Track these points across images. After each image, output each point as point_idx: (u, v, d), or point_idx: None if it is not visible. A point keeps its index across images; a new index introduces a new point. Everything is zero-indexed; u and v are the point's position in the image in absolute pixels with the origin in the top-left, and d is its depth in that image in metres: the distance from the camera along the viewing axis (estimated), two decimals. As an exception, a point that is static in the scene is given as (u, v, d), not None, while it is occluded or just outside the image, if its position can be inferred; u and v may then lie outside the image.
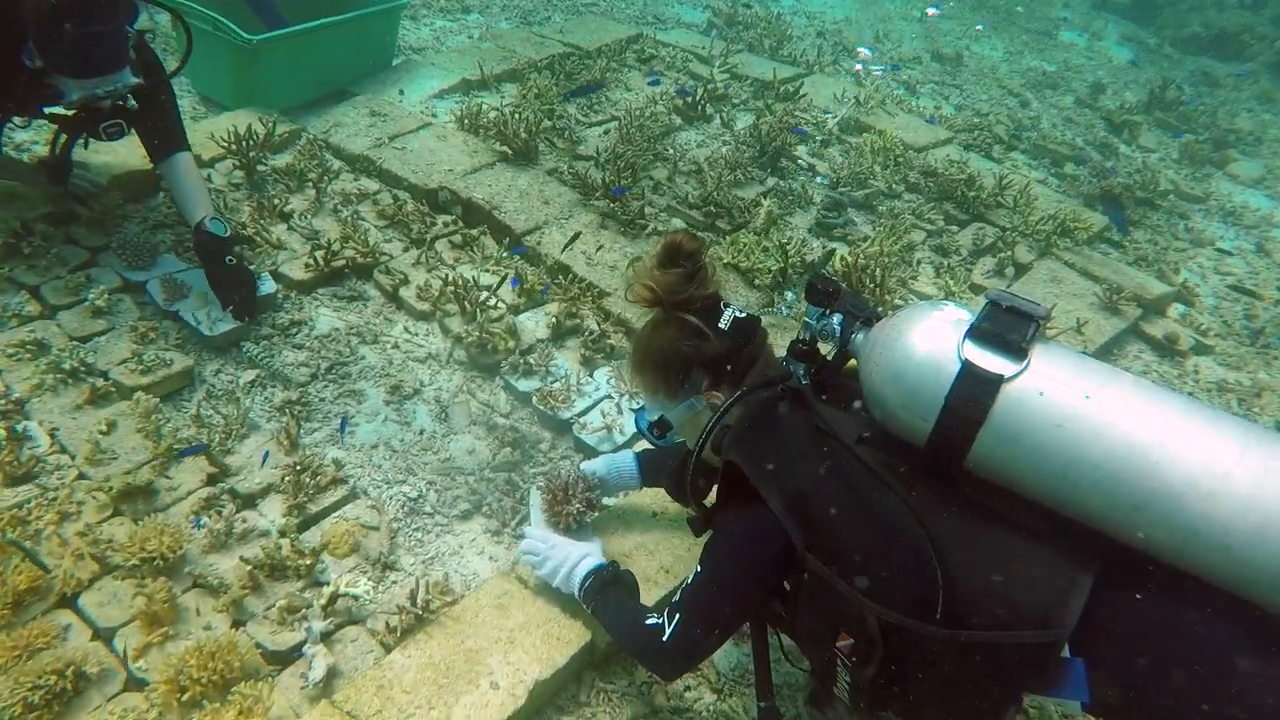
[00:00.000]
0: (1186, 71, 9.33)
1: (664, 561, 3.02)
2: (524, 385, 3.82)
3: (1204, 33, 9.96)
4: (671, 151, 5.68)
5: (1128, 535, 1.81)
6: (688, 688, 2.84)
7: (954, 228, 5.38)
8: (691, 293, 2.30)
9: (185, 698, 2.52)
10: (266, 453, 3.34)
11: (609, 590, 2.64)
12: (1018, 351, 1.86)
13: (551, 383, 3.81)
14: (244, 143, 4.90)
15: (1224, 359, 4.78)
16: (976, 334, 1.90)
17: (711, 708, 2.78)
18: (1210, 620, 1.80)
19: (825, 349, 2.25)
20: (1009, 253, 5.01)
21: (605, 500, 3.35)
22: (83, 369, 3.56)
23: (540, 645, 2.72)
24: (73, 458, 3.27)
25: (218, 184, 4.85)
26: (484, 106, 5.83)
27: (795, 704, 2.82)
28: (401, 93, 6.19)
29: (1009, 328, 1.88)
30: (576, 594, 2.69)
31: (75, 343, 3.68)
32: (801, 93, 6.73)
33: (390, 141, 5.43)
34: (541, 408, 3.70)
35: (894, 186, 5.62)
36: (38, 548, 2.88)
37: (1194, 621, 1.81)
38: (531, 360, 3.90)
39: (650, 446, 2.66)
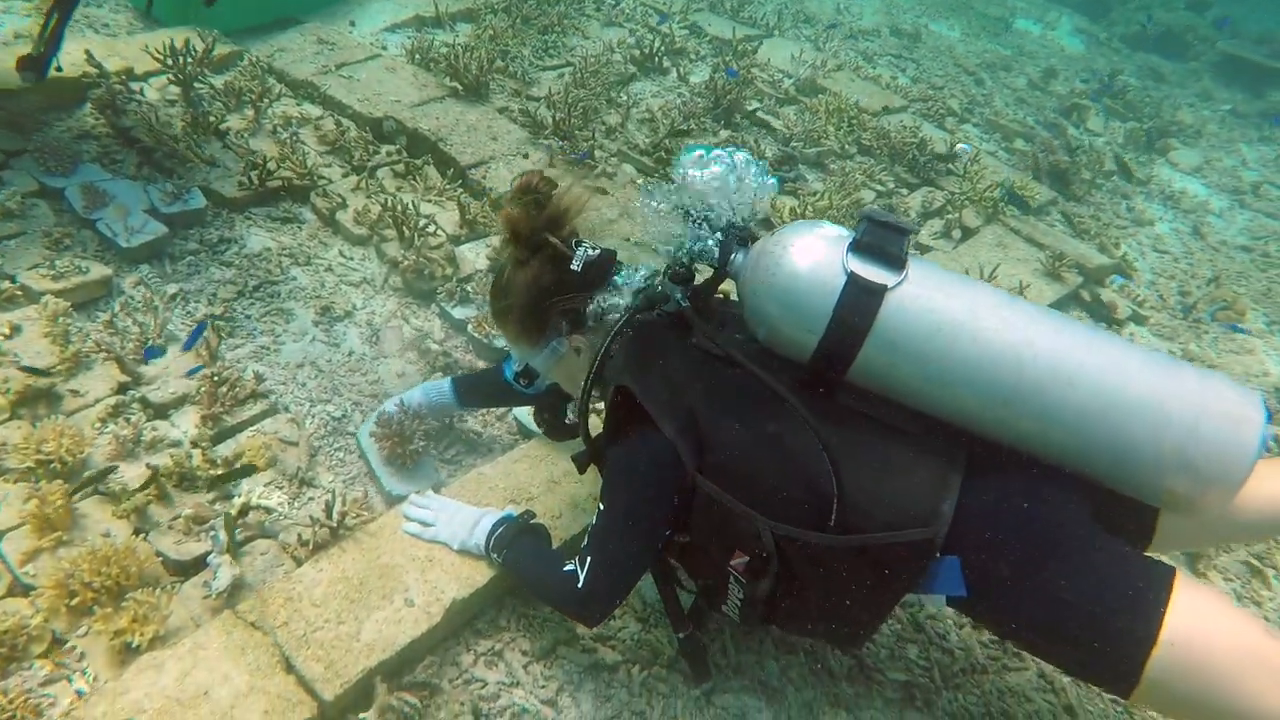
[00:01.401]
0: (1134, 66, 9.47)
1: (594, 489, 2.93)
2: (460, 313, 3.70)
3: (1151, 30, 10.12)
4: (625, 99, 5.57)
5: (995, 429, 1.98)
6: (612, 617, 2.76)
7: (904, 190, 5.36)
8: (547, 231, 2.24)
9: (74, 603, 2.37)
10: (199, 368, 3.16)
11: (521, 539, 2.55)
12: (897, 263, 1.95)
13: (488, 315, 3.68)
14: (181, 58, 4.66)
15: (1158, 329, 4.84)
16: (858, 248, 1.97)
17: (636, 637, 2.71)
18: (1059, 502, 1.98)
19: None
20: (957, 215, 5.01)
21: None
22: (-13, 270, 3.36)
23: (460, 565, 2.62)
24: (-30, 360, 3.07)
25: (151, 99, 4.61)
26: (436, 41, 5.66)
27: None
28: (352, 24, 5.99)
29: (887, 241, 1.96)
30: (484, 549, 2.59)
31: (-19, 244, 3.47)
32: (761, 53, 6.67)
33: (337, 70, 5.23)
34: (477, 335, 3.59)
35: (846, 147, 5.59)
36: (-75, 445, 2.70)
37: (1046, 504, 1.98)
38: (469, 288, 3.78)
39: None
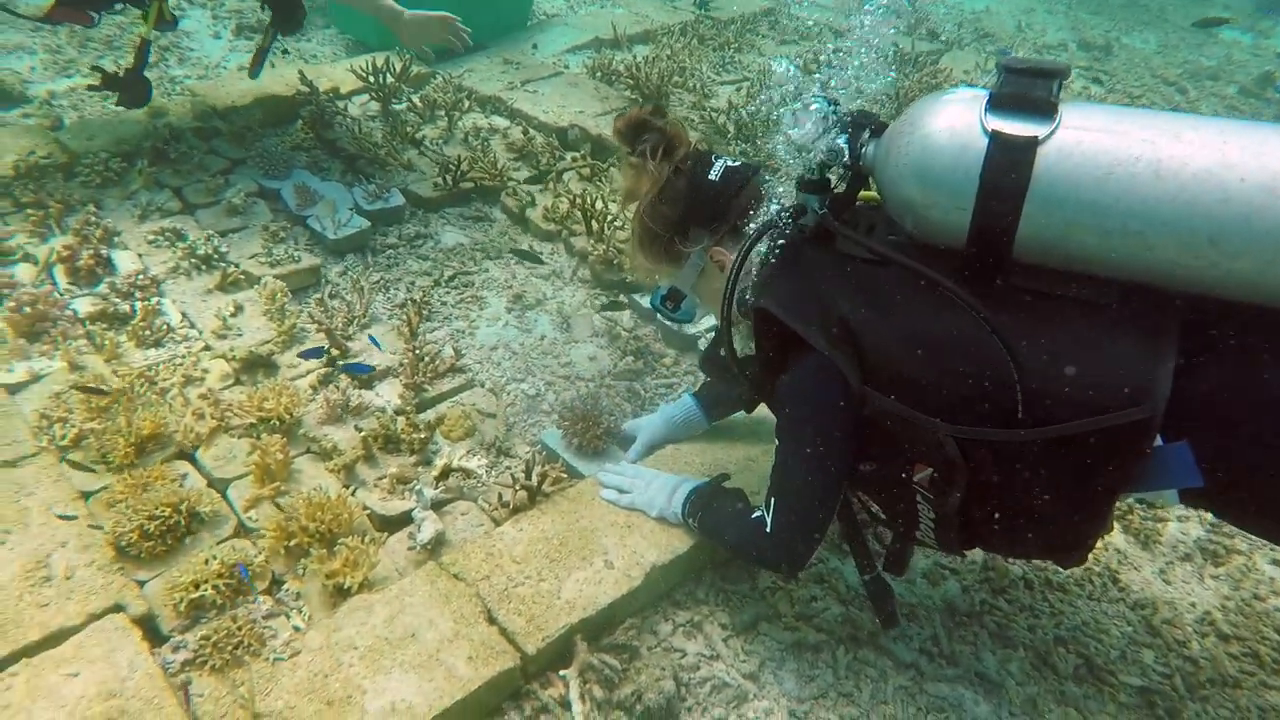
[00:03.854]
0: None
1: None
2: (649, 302, 3.67)
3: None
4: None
5: (1206, 278, 1.62)
6: (814, 598, 2.61)
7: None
8: (671, 158, 2.17)
9: (292, 544, 2.44)
10: (372, 337, 3.26)
11: (716, 501, 2.46)
12: (1046, 109, 1.67)
13: (676, 301, 3.64)
14: (380, 75, 4.96)
15: None
16: (997, 102, 1.70)
17: (839, 617, 2.54)
18: None
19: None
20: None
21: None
22: (216, 256, 3.60)
23: (659, 532, 2.54)
24: (200, 333, 3.28)
25: (353, 114, 4.90)
26: (615, 59, 5.79)
27: (933, 622, 2.56)
28: (534, 47, 6.22)
29: (1031, 87, 1.68)
30: (681, 515, 2.51)
31: (211, 235, 3.73)
32: (943, 64, 6.48)
33: (522, 85, 5.43)
34: (667, 323, 3.54)
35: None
36: (163, 405, 2.88)
37: None
38: (658, 279, 3.74)
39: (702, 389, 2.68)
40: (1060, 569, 2.79)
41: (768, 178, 2.15)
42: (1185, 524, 3.01)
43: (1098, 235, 1.65)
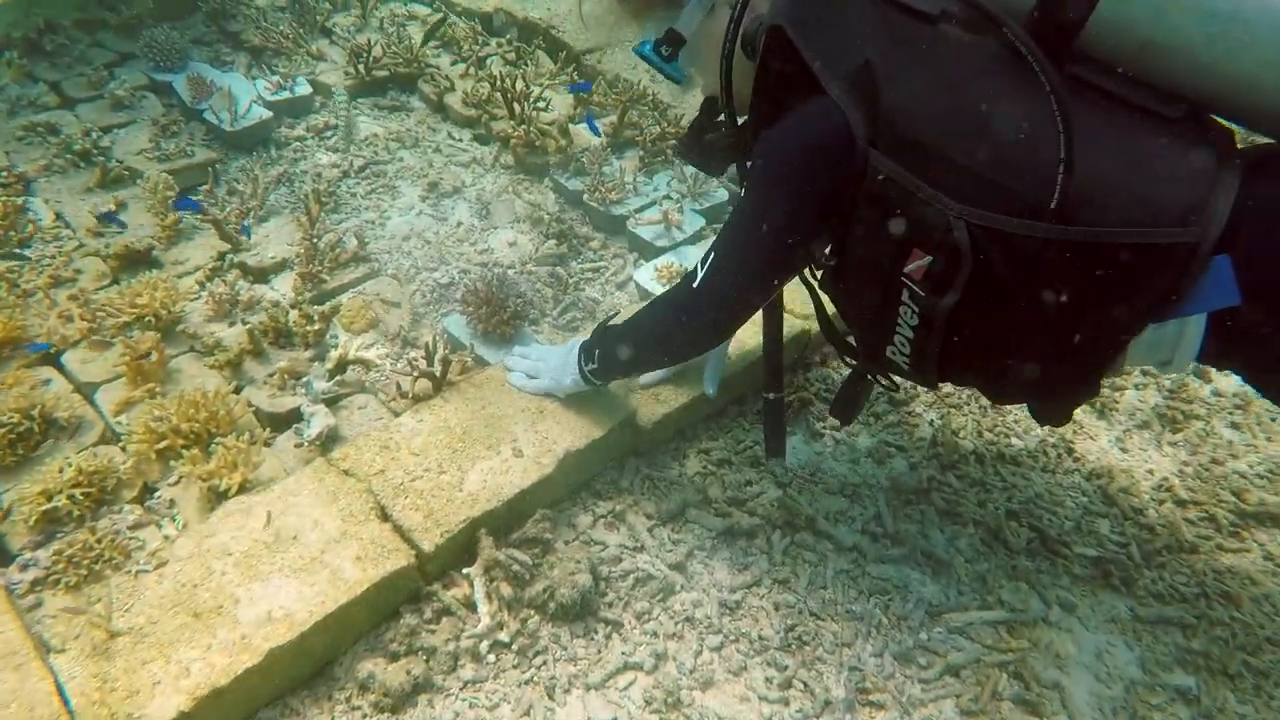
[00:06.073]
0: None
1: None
2: (575, 184, 3.38)
3: None
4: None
5: None
6: (749, 482, 2.40)
7: None
8: None
9: (162, 446, 2.18)
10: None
11: (610, 325, 2.15)
12: None
13: (605, 182, 3.35)
14: (287, -39, 4.54)
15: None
16: None
17: (775, 501, 2.34)
18: None
19: None
20: None
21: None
22: (96, 151, 3.27)
23: (575, 418, 2.30)
24: (74, 231, 2.98)
25: (259, 3, 4.50)
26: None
27: (877, 501, 2.36)
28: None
29: None
30: (580, 375, 2.21)
31: (91, 129, 3.38)
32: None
33: (445, -30, 5.02)
34: (593, 204, 3.26)
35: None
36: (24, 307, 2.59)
37: None
38: (584, 160, 3.45)
39: None
40: (1031, 430, 2.61)
41: None
42: (1143, 391, 2.82)
43: (1189, 30, 1.39)
